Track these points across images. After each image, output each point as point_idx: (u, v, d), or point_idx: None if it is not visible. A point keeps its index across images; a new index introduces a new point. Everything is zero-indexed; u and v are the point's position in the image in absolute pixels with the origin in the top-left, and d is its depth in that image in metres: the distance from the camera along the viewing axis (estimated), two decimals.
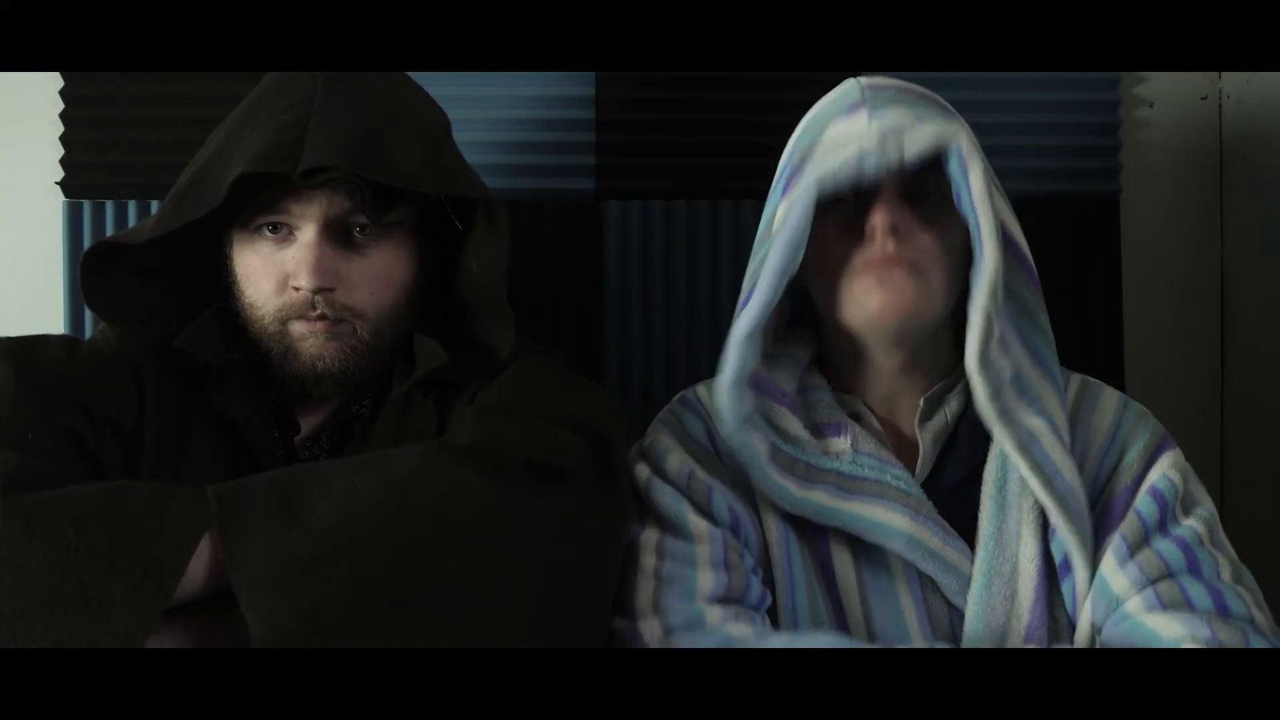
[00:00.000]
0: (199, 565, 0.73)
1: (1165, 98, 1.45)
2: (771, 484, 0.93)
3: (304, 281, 0.91)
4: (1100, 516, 0.92)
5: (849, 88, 0.96)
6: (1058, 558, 0.91)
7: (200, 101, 1.29)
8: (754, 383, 0.98)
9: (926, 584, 0.92)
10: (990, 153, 1.20)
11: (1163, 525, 0.90)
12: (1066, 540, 0.89)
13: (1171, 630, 0.83)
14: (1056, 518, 0.89)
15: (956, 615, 0.91)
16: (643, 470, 0.96)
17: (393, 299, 0.96)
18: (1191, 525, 0.90)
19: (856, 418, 0.98)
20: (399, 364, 0.99)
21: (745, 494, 0.95)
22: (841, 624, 0.92)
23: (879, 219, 0.89)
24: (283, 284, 0.92)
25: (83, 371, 0.90)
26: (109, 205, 1.32)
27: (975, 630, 0.89)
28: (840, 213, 0.93)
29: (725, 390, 0.93)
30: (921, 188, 0.92)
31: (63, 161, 1.32)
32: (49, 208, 1.33)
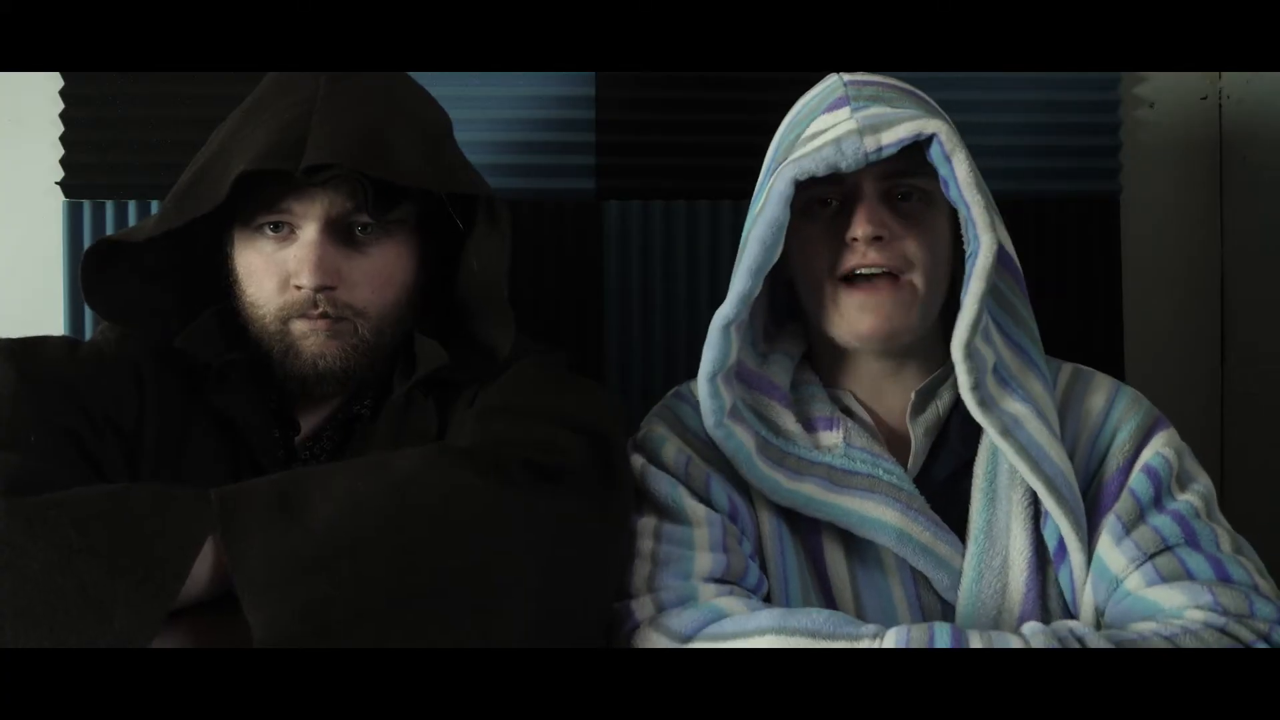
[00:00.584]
0: (202, 567, 0.73)
1: (1165, 98, 1.44)
2: (760, 476, 0.93)
3: (305, 280, 0.90)
4: (1094, 499, 0.92)
5: (832, 85, 0.97)
6: (1051, 544, 0.91)
7: (200, 101, 1.29)
8: (747, 379, 0.98)
9: (919, 578, 0.92)
10: (991, 153, 1.21)
11: (1158, 501, 0.90)
12: (1059, 521, 0.89)
13: (1173, 600, 0.82)
14: (1047, 499, 0.88)
15: (949, 609, 0.91)
16: (637, 460, 0.96)
17: (394, 298, 0.96)
18: (1187, 499, 0.90)
19: (848, 413, 0.99)
20: (400, 364, 0.99)
21: (741, 486, 0.96)
22: None
23: (860, 229, 0.90)
24: (284, 283, 0.92)
25: (83, 372, 0.90)
26: (109, 205, 1.32)
27: (967, 624, 0.89)
28: (824, 217, 0.94)
29: (703, 383, 0.93)
30: (903, 189, 0.93)
31: (63, 161, 1.32)
32: (49, 208, 1.33)
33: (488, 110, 1.33)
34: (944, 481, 0.95)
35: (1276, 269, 1.38)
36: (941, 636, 0.77)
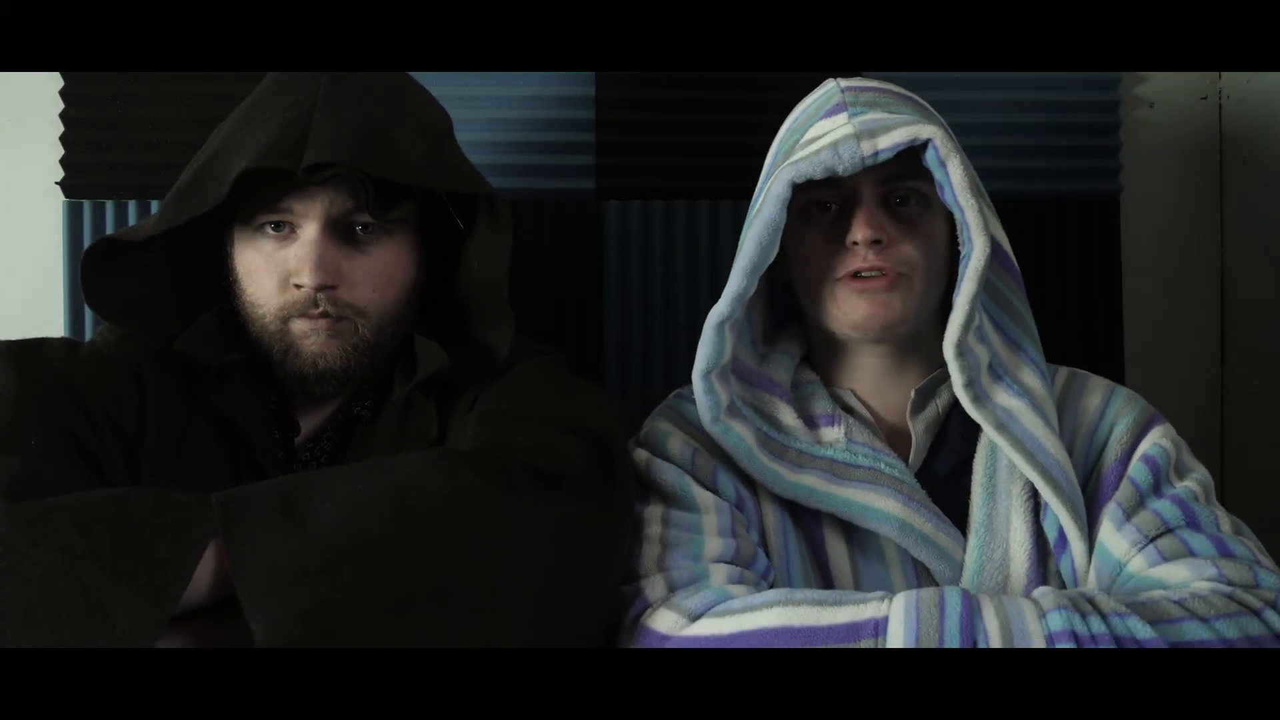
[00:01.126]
0: (204, 572, 0.73)
1: (1165, 98, 1.45)
2: (761, 469, 0.94)
3: (306, 279, 0.90)
4: (1094, 491, 0.93)
5: (829, 91, 0.98)
6: (1052, 535, 0.91)
7: (200, 101, 1.29)
8: (747, 377, 0.99)
9: (920, 570, 0.93)
10: (991, 153, 1.21)
11: (1157, 488, 0.91)
12: (1057, 511, 0.89)
13: (1177, 575, 0.82)
14: (1044, 489, 0.89)
15: None
16: (641, 454, 0.96)
17: (394, 297, 0.96)
18: (1187, 485, 0.91)
19: (848, 410, 0.99)
20: (400, 365, 0.99)
21: (746, 478, 0.96)
22: None
23: (860, 233, 0.91)
24: (284, 282, 0.92)
25: (83, 373, 0.90)
26: (109, 205, 1.32)
27: None
28: (823, 221, 0.95)
29: (697, 380, 0.94)
30: (902, 193, 0.94)
31: (63, 161, 1.32)
32: (49, 208, 1.33)
33: (488, 110, 1.33)
34: (945, 477, 0.96)
35: (1276, 269, 1.38)
36: (952, 598, 0.77)
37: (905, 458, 0.97)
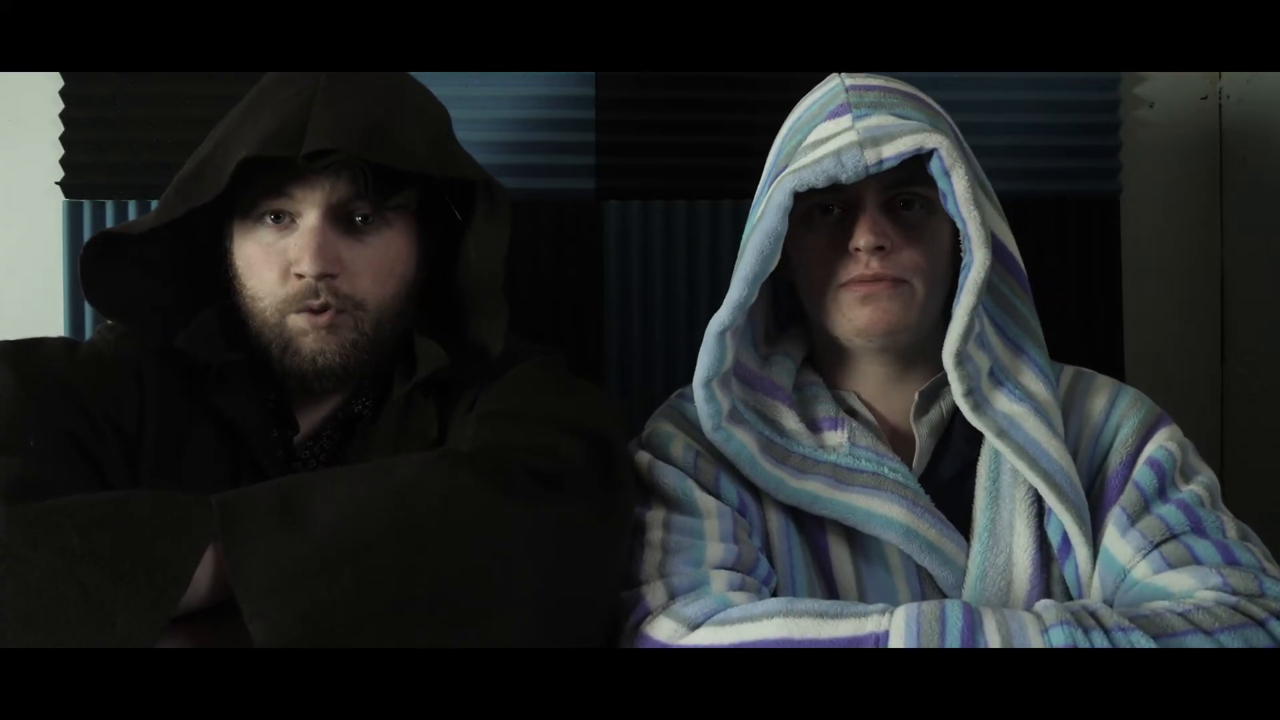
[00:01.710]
0: (204, 574, 0.73)
1: (1165, 98, 1.44)
2: (764, 475, 0.94)
3: (306, 267, 0.90)
4: (1098, 495, 0.92)
5: (834, 89, 0.96)
6: (1055, 540, 0.91)
7: (200, 101, 1.29)
8: (748, 380, 0.98)
9: (924, 576, 0.93)
10: (990, 153, 1.20)
11: (1162, 492, 0.90)
12: (1061, 516, 0.89)
13: (1181, 584, 0.82)
14: (1047, 494, 0.89)
15: None
16: (644, 457, 0.96)
17: (394, 289, 0.96)
18: (1192, 489, 0.90)
19: (852, 413, 0.99)
20: (400, 364, 0.99)
21: (748, 484, 0.96)
22: None
23: (863, 240, 0.90)
24: (285, 273, 0.92)
25: (82, 373, 0.90)
26: (109, 205, 1.32)
27: None
28: (825, 225, 0.94)
29: (698, 389, 0.93)
30: (905, 197, 0.93)
31: (63, 161, 1.32)
32: (49, 208, 1.33)
33: (488, 110, 1.33)
34: (949, 481, 0.96)
35: (1276, 269, 1.38)
36: (953, 612, 0.77)
37: (909, 461, 0.96)
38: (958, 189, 0.87)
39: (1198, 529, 0.86)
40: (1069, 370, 1.01)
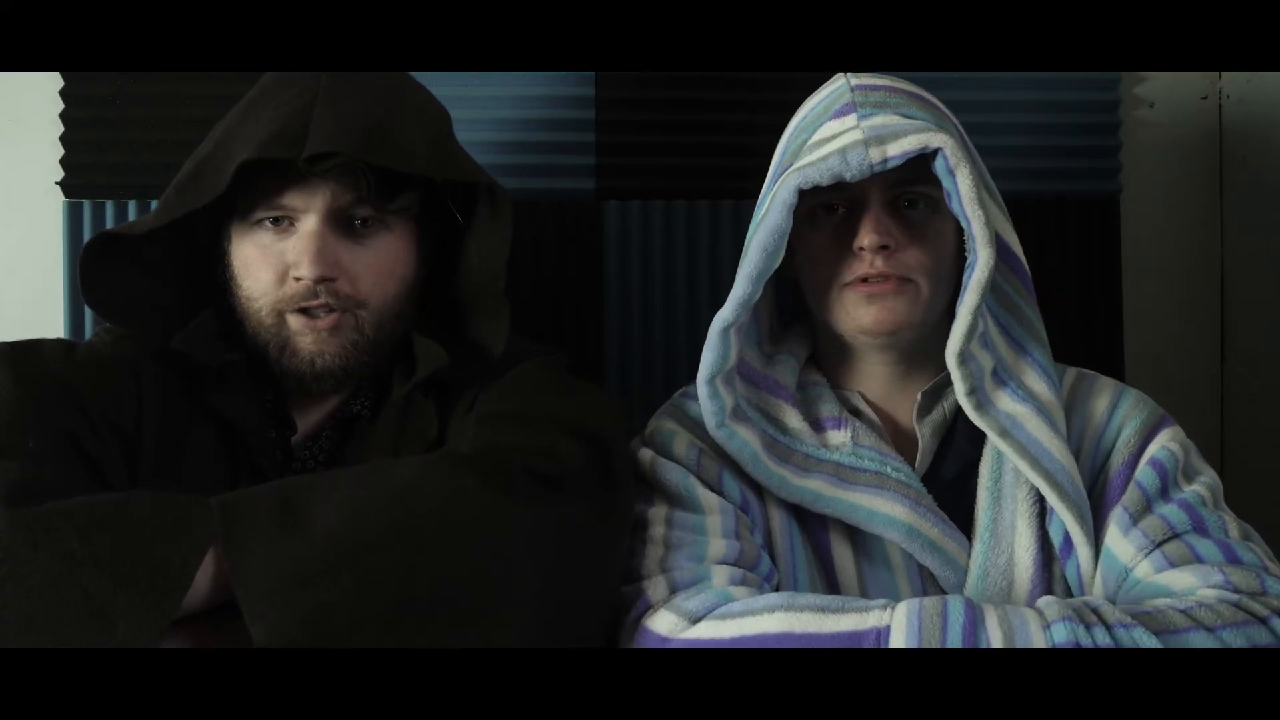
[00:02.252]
0: (204, 576, 0.73)
1: (1165, 98, 1.44)
2: (767, 473, 0.94)
3: (305, 271, 0.90)
4: (1100, 495, 0.92)
5: (839, 89, 0.96)
6: (1057, 540, 0.91)
7: (200, 101, 1.29)
8: (752, 378, 0.98)
9: (926, 575, 0.93)
10: (991, 153, 1.20)
11: (1164, 492, 0.90)
12: (1063, 515, 0.89)
13: (1183, 582, 0.82)
14: (1049, 494, 0.89)
15: None
16: (646, 454, 0.96)
17: (394, 291, 0.96)
18: (1195, 489, 0.90)
19: (855, 412, 0.99)
20: (399, 364, 0.99)
21: (751, 481, 0.96)
22: None
23: (867, 239, 0.90)
24: (283, 275, 0.92)
25: (81, 374, 0.90)
26: (109, 205, 1.32)
27: None
28: (829, 224, 0.94)
29: (702, 386, 0.93)
30: (910, 196, 0.93)
31: (63, 161, 1.32)
32: (49, 208, 1.33)
33: (488, 110, 1.33)
34: (951, 481, 0.96)
35: (1276, 269, 1.38)
36: (955, 607, 0.77)
37: (911, 461, 0.96)
38: (962, 188, 0.87)
39: (1200, 528, 0.87)
40: (1072, 371, 1.01)
